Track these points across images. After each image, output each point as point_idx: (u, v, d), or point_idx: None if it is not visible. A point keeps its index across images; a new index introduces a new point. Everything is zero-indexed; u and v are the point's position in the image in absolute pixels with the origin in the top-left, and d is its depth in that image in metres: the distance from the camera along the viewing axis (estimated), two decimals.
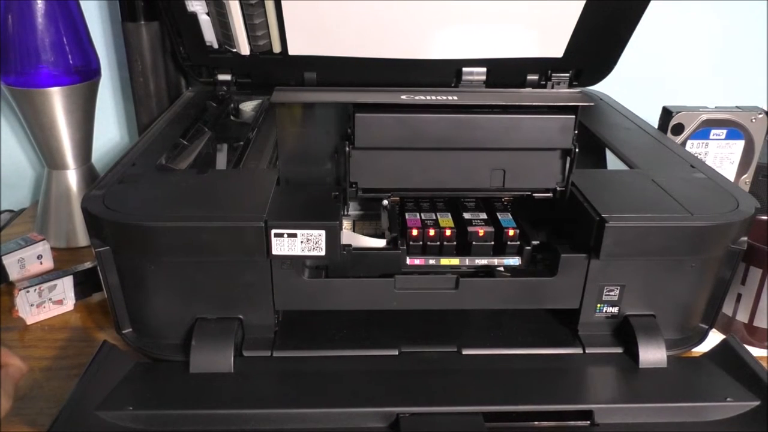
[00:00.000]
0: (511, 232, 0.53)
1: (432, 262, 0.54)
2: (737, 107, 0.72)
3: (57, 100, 0.72)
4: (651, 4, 0.76)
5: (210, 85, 0.85)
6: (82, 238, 0.76)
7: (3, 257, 0.64)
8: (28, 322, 0.60)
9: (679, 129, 0.71)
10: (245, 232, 0.48)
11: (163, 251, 0.49)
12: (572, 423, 0.47)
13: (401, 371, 0.51)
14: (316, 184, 0.54)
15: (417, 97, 0.51)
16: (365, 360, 0.52)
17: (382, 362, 0.52)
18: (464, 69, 0.84)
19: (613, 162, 0.66)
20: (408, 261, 0.53)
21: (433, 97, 0.51)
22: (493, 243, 0.53)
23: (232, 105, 0.84)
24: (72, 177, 0.77)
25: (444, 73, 0.84)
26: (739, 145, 0.72)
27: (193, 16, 0.77)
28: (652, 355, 0.52)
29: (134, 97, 0.86)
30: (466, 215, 0.55)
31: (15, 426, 0.48)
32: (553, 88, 0.85)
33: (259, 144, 0.71)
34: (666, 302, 0.54)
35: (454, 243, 0.53)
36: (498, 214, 0.55)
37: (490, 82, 0.84)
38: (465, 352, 0.53)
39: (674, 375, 0.51)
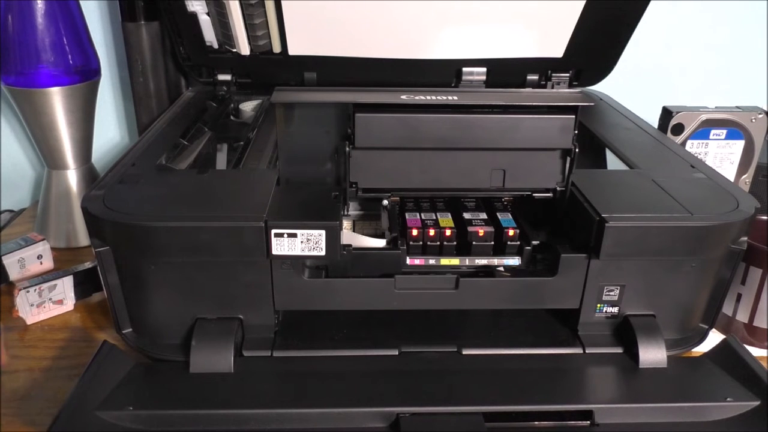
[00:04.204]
0: (511, 232, 0.53)
1: (432, 262, 0.54)
2: (737, 107, 0.72)
3: (57, 100, 0.72)
4: (651, 4, 0.76)
5: (210, 85, 0.85)
6: (82, 238, 0.76)
7: (3, 257, 0.64)
8: (28, 322, 0.60)
9: (679, 129, 0.71)
10: (245, 232, 0.48)
11: (163, 251, 0.49)
12: (572, 423, 0.47)
13: (401, 371, 0.51)
14: (316, 184, 0.54)
15: (417, 97, 0.51)
16: (365, 360, 0.52)
17: (382, 362, 0.52)
18: (464, 69, 0.84)
19: (613, 162, 0.66)
20: (408, 261, 0.53)
21: (433, 97, 0.51)
22: (493, 243, 0.53)
23: (232, 105, 0.84)
24: (72, 177, 0.77)
25: (444, 73, 0.84)
26: (739, 145, 0.72)
27: (193, 16, 0.77)
28: (652, 355, 0.52)
29: (134, 97, 0.86)
30: (466, 215, 0.55)
31: (15, 426, 0.48)
32: (553, 88, 0.85)
33: (259, 144, 0.71)
34: (666, 302, 0.54)
35: (454, 243, 0.53)
36: (498, 214, 0.55)
37: (490, 82, 0.84)
38: (465, 352, 0.53)
39: (674, 375, 0.51)
